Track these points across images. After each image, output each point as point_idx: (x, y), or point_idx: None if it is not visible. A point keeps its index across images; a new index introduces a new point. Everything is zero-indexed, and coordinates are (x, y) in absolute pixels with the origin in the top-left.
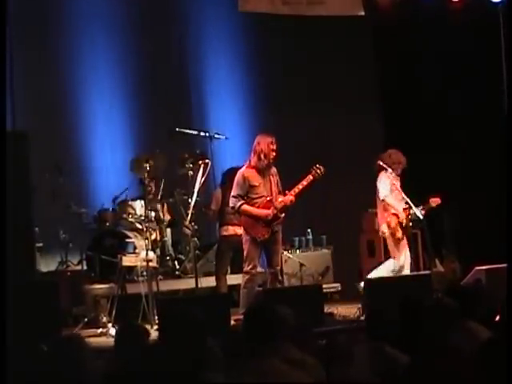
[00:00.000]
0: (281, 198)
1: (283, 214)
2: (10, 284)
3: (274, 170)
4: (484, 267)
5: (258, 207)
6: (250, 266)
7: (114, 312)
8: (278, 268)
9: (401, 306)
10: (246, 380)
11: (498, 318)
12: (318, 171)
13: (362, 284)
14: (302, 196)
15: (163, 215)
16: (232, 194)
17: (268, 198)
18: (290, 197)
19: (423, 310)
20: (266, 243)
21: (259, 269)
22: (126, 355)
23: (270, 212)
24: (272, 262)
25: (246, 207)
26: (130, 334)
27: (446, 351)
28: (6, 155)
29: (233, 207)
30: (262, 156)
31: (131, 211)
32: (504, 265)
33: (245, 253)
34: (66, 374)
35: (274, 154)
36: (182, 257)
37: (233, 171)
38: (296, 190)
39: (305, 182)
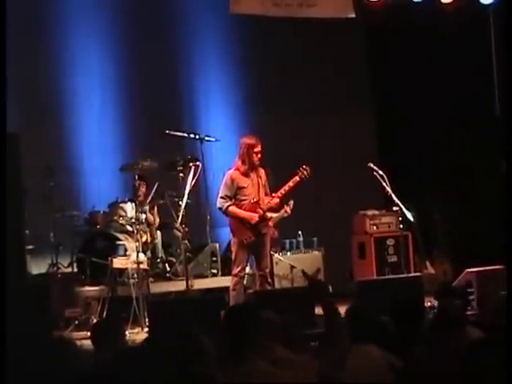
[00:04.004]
0: (266, 200)
1: (270, 216)
2: (7, 287)
3: (261, 171)
4: (475, 269)
5: (244, 209)
6: (239, 269)
7: (104, 314)
8: (267, 270)
9: (391, 309)
10: (229, 381)
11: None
12: (305, 172)
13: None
14: (293, 198)
15: (154, 217)
16: (220, 194)
17: (254, 200)
18: (275, 199)
19: (419, 313)
20: (254, 246)
21: (248, 270)
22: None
23: (255, 216)
24: (261, 265)
25: (232, 209)
26: (104, 331)
27: (439, 352)
28: (5, 157)
29: (220, 208)
30: (245, 160)
31: (122, 213)
32: (495, 267)
33: (233, 255)
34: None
35: (259, 156)
36: (173, 259)
37: None
38: (282, 191)
39: (291, 184)
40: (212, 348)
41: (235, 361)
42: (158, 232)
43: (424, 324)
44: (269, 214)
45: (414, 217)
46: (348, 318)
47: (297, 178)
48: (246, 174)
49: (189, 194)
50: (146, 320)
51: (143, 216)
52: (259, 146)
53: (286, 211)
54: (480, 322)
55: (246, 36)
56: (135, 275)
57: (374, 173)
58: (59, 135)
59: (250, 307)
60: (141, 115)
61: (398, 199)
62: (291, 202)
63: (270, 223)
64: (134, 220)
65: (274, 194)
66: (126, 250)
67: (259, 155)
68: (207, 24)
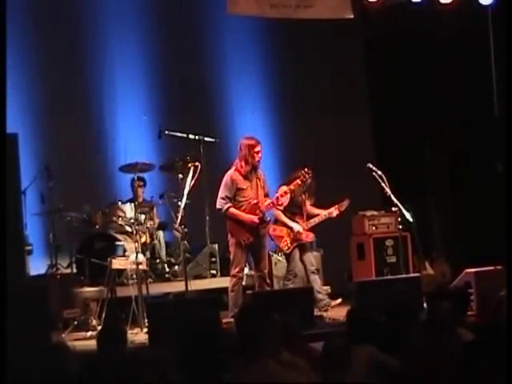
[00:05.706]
0: (267, 202)
1: (269, 218)
2: (6, 288)
3: (260, 173)
4: (473, 270)
5: (244, 210)
6: (237, 269)
7: (103, 315)
8: (266, 271)
9: (388, 310)
10: (240, 380)
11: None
12: (307, 176)
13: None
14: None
15: (153, 218)
16: (220, 195)
17: (254, 202)
18: (282, 197)
19: (412, 315)
20: (252, 247)
21: (247, 271)
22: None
23: (255, 218)
24: (259, 266)
25: (233, 210)
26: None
27: (431, 354)
28: (5, 157)
29: (220, 209)
30: (245, 161)
31: (121, 214)
32: (494, 267)
33: (231, 256)
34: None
35: (259, 157)
36: (172, 260)
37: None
38: (283, 194)
39: (292, 187)
40: (215, 348)
41: (245, 360)
42: (158, 233)
43: (419, 325)
44: (316, 211)
45: (412, 217)
46: (348, 319)
47: (298, 181)
48: (245, 176)
49: (188, 195)
50: (145, 321)
51: (142, 217)
52: (259, 147)
53: (330, 213)
54: (479, 322)
55: (247, 37)
56: (134, 276)
57: (373, 173)
58: (57, 137)
59: (263, 308)
60: (139, 116)
61: (397, 200)
62: (345, 203)
63: (307, 225)
64: (133, 220)
65: (276, 194)
66: (124, 250)
67: (259, 156)
68: (205, 25)
